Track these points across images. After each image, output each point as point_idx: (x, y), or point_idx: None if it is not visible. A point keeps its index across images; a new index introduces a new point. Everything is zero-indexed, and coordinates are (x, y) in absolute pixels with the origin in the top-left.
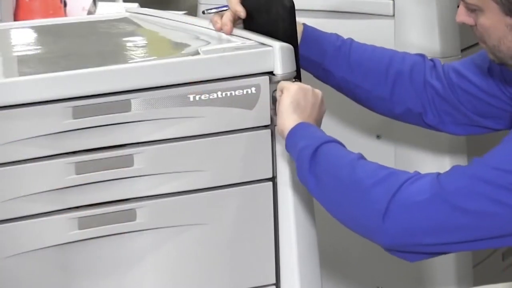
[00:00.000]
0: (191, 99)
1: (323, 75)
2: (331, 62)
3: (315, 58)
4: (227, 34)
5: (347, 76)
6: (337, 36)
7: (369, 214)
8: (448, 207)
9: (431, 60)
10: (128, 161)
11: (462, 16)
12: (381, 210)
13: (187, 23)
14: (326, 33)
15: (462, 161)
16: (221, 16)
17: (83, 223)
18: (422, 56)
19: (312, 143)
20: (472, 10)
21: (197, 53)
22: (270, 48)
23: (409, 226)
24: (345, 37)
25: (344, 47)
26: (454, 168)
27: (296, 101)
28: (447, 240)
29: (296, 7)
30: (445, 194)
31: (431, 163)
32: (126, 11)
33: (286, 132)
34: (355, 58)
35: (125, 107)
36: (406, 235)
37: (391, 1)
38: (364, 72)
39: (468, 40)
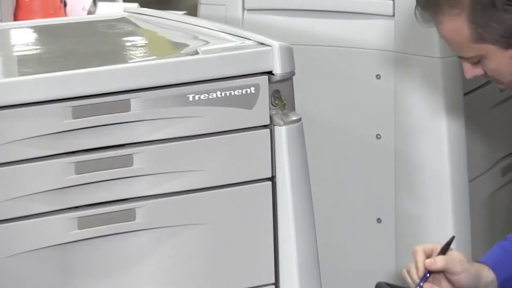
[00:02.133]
0: (191, 99)
1: None
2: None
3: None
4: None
5: None
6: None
7: None
8: None
9: None
10: (127, 161)
11: (470, 71)
12: None
13: (186, 23)
14: (500, 254)
15: (461, 161)
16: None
17: (83, 223)
18: None
19: None
20: (476, 61)
21: (196, 52)
22: (269, 47)
23: None
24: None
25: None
26: None
27: None
28: None
29: (296, 7)
30: None
31: (431, 163)
32: (124, 11)
33: None
34: None
35: (125, 107)
36: None
37: (391, 1)
38: None
39: None
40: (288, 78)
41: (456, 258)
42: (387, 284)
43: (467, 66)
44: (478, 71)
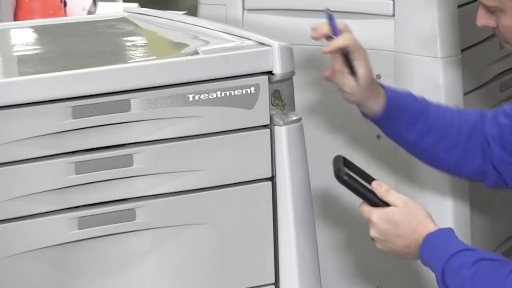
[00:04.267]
0: (191, 98)
1: (392, 134)
2: (407, 128)
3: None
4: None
5: (418, 141)
6: (413, 100)
7: None
8: None
9: (483, 112)
10: (127, 161)
11: (483, 19)
12: None
13: (186, 23)
14: (405, 97)
15: None
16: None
17: (83, 223)
18: (480, 113)
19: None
20: (492, 11)
21: (196, 52)
22: (269, 47)
23: None
24: None
25: (422, 116)
26: None
27: (386, 235)
28: None
29: (296, 7)
30: None
31: None
32: (124, 11)
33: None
34: (430, 125)
35: (125, 107)
36: None
37: (391, 1)
38: (436, 139)
39: (468, 40)
40: (288, 78)
41: None
42: (345, 159)
43: (481, 13)
44: (490, 22)
